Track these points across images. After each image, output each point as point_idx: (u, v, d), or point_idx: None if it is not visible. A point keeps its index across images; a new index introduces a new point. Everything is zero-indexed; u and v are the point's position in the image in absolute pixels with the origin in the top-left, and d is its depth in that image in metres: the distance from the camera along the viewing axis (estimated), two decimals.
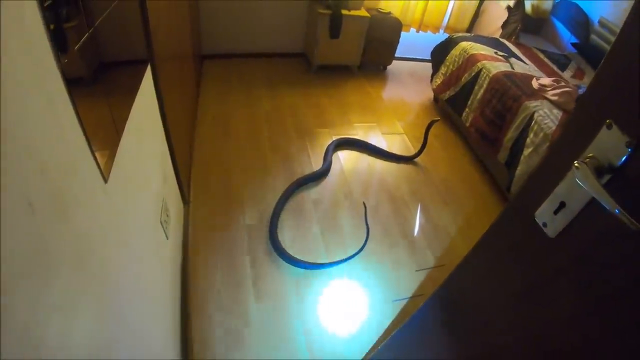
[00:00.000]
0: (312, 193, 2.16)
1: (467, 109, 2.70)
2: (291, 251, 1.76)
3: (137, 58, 1.09)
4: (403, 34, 3.53)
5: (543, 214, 0.55)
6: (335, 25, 3.07)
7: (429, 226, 2.11)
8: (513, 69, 2.57)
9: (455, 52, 2.94)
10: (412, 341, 1.09)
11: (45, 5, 0.48)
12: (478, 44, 2.85)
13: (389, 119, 3.02)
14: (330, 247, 1.85)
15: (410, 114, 3.18)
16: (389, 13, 3.43)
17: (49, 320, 0.44)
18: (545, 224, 0.55)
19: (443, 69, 3.06)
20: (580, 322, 0.51)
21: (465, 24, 3.99)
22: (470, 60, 2.73)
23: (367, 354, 1.45)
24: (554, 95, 2.22)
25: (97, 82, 0.75)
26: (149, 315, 0.97)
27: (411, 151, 2.63)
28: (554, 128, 2.00)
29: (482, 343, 0.75)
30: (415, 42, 3.95)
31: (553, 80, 2.34)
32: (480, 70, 2.60)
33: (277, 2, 3.21)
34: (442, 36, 3.64)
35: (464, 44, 2.89)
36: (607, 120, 0.44)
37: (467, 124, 2.68)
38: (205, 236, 1.79)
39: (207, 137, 2.43)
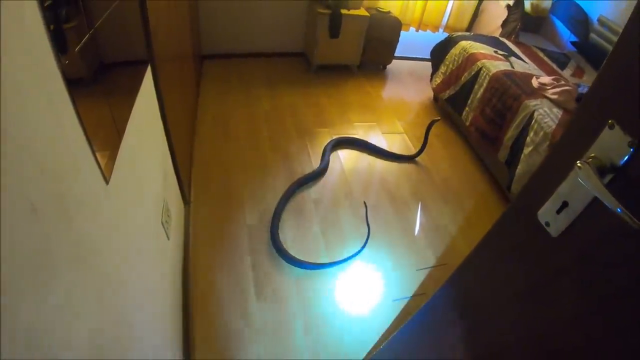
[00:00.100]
0: (313, 193, 2.16)
1: (467, 108, 2.71)
2: (292, 251, 1.76)
3: (137, 58, 1.09)
4: (403, 33, 3.53)
5: (545, 213, 0.55)
6: (335, 25, 3.07)
7: (429, 225, 2.11)
8: (513, 67, 2.57)
9: (454, 51, 2.93)
10: (413, 341, 1.09)
11: (45, 5, 0.48)
12: (478, 43, 2.85)
13: (389, 118, 3.02)
14: (331, 247, 1.86)
15: (410, 113, 3.18)
16: (389, 12, 3.43)
17: (52, 321, 0.44)
18: (547, 224, 0.55)
19: (443, 68, 3.06)
20: (582, 321, 0.51)
21: (465, 23, 3.99)
22: (470, 59, 2.73)
23: (369, 353, 1.45)
24: (553, 93, 2.22)
25: (97, 82, 0.75)
26: (151, 315, 0.97)
27: (411, 150, 2.63)
28: (554, 127, 2.00)
29: (484, 342, 0.75)
30: (414, 42, 3.95)
31: (553, 79, 2.34)
32: (480, 69, 2.60)
33: (276, 2, 3.20)
34: (441, 35, 3.64)
35: (463, 43, 2.89)
36: (610, 121, 0.44)
37: (467, 123, 2.68)
38: (206, 236, 1.79)
39: (207, 137, 2.43)
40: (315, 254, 1.80)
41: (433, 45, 3.23)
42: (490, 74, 2.49)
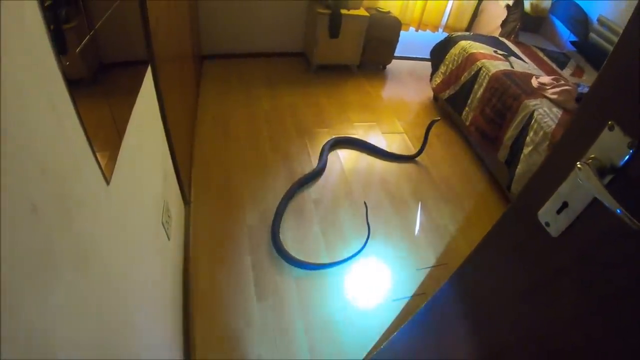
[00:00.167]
0: (313, 193, 2.16)
1: (466, 108, 2.71)
2: (292, 251, 1.77)
3: (137, 59, 1.09)
4: (402, 33, 3.53)
5: (546, 213, 0.55)
6: (335, 25, 3.07)
7: (429, 225, 2.11)
8: (512, 67, 2.57)
9: (454, 51, 2.94)
10: (413, 341, 1.09)
11: (45, 5, 0.48)
12: (477, 43, 2.85)
13: (389, 118, 3.02)
14: (331, 247, 1.86)
15: (410, 113, 3.18)
16: (388, 12, 3.43)
17: (52, 321, 0.44)
18: (548, 224, 0.55)
19: (442, 68, 3.06)
20: (583, 321, 0.51)
21: (465, 22, 3.99)
22: (470, 59, 2.73)
23: (369, 353, 1.45)
24: (553, 93, 2.22)
25: (97, 83, 0.75)
26: (152, 315, 0.97)
27: (411, 150, 2.64)
28: (553, 126, 2.00)
29: (485, 342, 0.75)
30: (414, 41, 3.95)
31: (552, 79, 2.34)
32: (480, 69, 2.60)
33: (276, 2, 3.20)
34: (441, 35, 3.64)
35: (463, 42, 2.89)
36: (609, 122, 0.44)
37: (467, 123, 2.68)
38: (206, 236, 1.79)
39: (207, 137, 2.43)
40: (315, 254, 1.81)
41: (433, 45, 3.23)
42: (490, 74, 2.49)
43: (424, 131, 2.54)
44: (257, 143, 2.47)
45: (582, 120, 0.54)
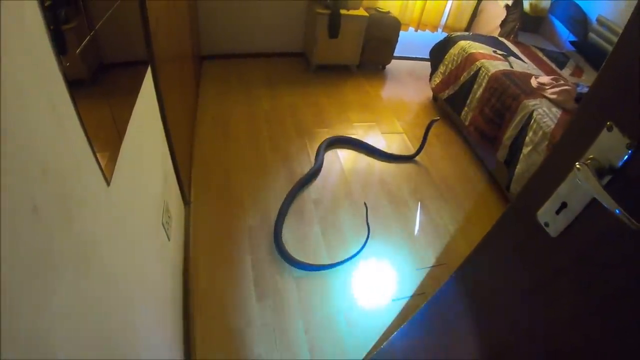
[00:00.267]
0: (312, 193, 2.16)
1: (466, 108, 2.71)
2: (292, 251, 1.77)
3: (137, 59, 1.09)
4: (402, 33, 3.53)
5: (545, 213, 0.55)
6: (334, 25, 3.07)
7: (429, 225, 2.12)
8: (512, 67, 2.57)
9: (453, 51, 2.94)
10: (413, 341, 1.09)
11: (45, 6, 0.48)
12: (477, 43, 2.86)
13: (388, 118, 3.02)
14: (331, 247, 1.86)
15: (410, 113, 3.18)
16: (388, 12, 3.43)
17: (53, 322, 0.44)
18: (547, 224, 0.55)
19: (442, 68, 3.06)
20: (581, 322, 0.51)
21: (464, 22, 3.99)
22: (469, 59, 2.74)
23: (369, 353, 1.45)
24: (552, 93, 2.22)
25: (97, 83, 0.75)
26: (152, 315, 0.97)
27: (411, 150, 2.64)
28: (552, 126, 2.01)
29: (485, 342, 0.75)
30: (413, 41, 3.95)
31: (552, 79, 2.34)
32: (479, 69, 2.60)
33: (275, 2, 3.20)
34: (440, 35, 3.65)
35: (462, 42, 2.89)
36: (608, 122, 0.44)
37: (467, 123, 2.68)
38: (206, 236, 1.79)
39: (206, 137, 2.43)
40: (315, 254, 1.81)
41: (432, 45, 3.23)
42: (489, 74, 2.49)
43: (423, 131, 2.55)
44: (256, 143, 2.47)
45: (581, 121, 0.55)
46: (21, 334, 0.38)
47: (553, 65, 2.80)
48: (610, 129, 0.44)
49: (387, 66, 3.77)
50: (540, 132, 2.04)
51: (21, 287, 0.38)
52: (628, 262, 0.45)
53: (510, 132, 2.25)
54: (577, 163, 0.46)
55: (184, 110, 2.02)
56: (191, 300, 1.50)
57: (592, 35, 3.03)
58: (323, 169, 2.34)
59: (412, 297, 1.71)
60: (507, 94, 2.33)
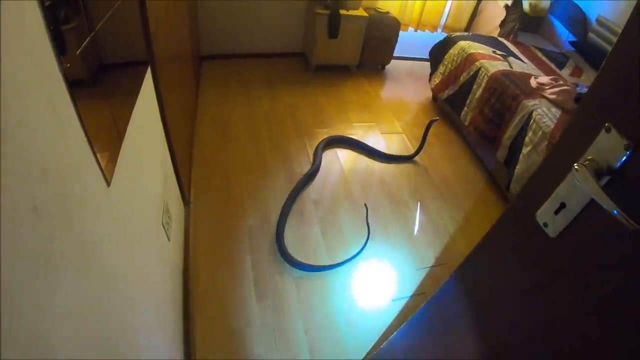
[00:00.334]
0: (312, 193, 2.16)
1: (465, 108, 2.71)
2: (292, 251, 1.77)
3: (137, 60, 1.09)
4: (401, 33, 3.53)
5: (544, 214, 0.56)
6: (334, 25, 3.07)
7: (429, 225, 2.12)
8: (511, 67, 2.58)
9: (453, 51, 2.94)
10: (413, 341, 1.09)
11: (45, 6, 0.48)
12: (476, 43, 2.86)
13: (388, 118, 3.03)
14: (331, 247, 1.86)
15: (409, 113, 3.18)
16: (387, 12, 3.43)
17: (53, 322, 0.44)
18: (546, 224, 0.55)
19: (441, 68, 3.07)
20: (580, 322, 0.51)
21: (463, 23, 4.00)
22: (469, 59, 2.74)
23: (368, 353, 1.45)
24: (552, 93, 2.22)
25: (97, 83, 0.75)
26: (152, 315, 0.97)
27: (410, 150, 2.64)
28: (552, 126, 2.01)
29: (484, 342, 0.75)
30: (413, 42, 3.96)
31: (551, 79, 2.35)
32: (479, 69, 2.61)
33: (275, 2, 3.21)
34: (440, 35, 3.65)
35: (462, 43, 2.90)
36: (606, 124, 0.44)
37: (466, 123, 2.69)
38: (206, 237, 1.79)
39: (206, 137, 2.43)
40: (315, 254, 1.81)
41: (432, 45, 3.24)
42: (489, 74, 2.50)
43: (422, 131, 2.55)
44: (256, 143, 2.47)
45: (580, 122, 0.55)
46: (21, 334, 0.38)
47: (552, 66, 2.80)
48: (608, 130, 0.44)
49: (387, 66, 3.77)
50: (540, 132, 2.04)
51: (21, 287, 0.38)
52: (626, 262, 0.45)
53: (509, 132, 2.26)
54: (575, 164, 0.46)
55: (183, 111, 2.02)
56: (191, 300, 1.50)
57: (591, 35, 3.03)
58: (323, 169, 2.35)
59: (411, 297, 1.71)
60: (506, 94, 2.33)
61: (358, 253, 1.84)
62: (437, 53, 3.15)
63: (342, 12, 3.06)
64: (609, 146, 0.45)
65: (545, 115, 2.08)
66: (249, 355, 1.39)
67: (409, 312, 1.62)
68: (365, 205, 2.12)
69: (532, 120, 2.11)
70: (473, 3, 3.89)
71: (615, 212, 0.41)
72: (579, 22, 3.11)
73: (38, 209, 0.42)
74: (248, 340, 1.44)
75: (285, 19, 3.34)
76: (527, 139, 2.12)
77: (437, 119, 2.57)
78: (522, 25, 3.35)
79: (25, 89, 0.42)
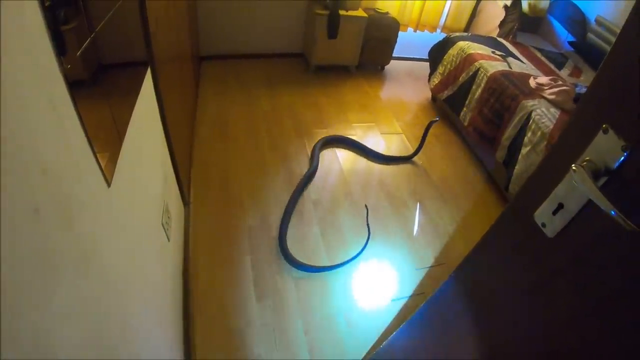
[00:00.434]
0: (312, 193, 2.16)
1: (465, 109, 2.72)
2: (292, 251, 1.77)
3: (136, 60, 1.10)
4: (400, 33, 3.53)
5: (542, 214, 0.56)
6: (333, 26, 3.07)
7: (428, 225, 2.12)
8: (510, 68, 2.58)
9: (452, 51, 2.94)
10: (413, 340, 1.09)
11: (45, 6, 0.48)
12: (475, 44, 2.86)
13: (388, 118, 3.03)
14: (331, 247, 1.86)
15: (409, 114, 3.19)
16: (387, 13, 3.44)
17: (54, 322, 0.44)
18: (544, 225, 0.56)
19: (440, 69, 3.07)
20: (578, 323, 0.51)
21: (463, 23, 4.00)
22: (468, 59, 2.74)
23: (368, 353, 1.46)
24: (551, 94, 2.23)
25: (97, 84, 0.75)
26: (152, 316, 0.98)
27: (410, 151, 2.64)
28: (551, 127, 2.01)
29: (484, 342, 0.76)
30: (412, 42, 3.96)
31: (550, 79, 2.35)
32: (478, 69, 2.61)
33: (275, 3, 3.21)
34: (439, 36, 3.65)
35: (461, 43, 2.90)
36: (604, 125, 0.45)
37: (465, 123, 2.69)
38: (205, 237, 1.79)
39: (206, 137, 2.43)
40: (314, 254, 1.81)
41: (431, 45, 3.24)
42: (488, 75, 2.50)
43: (422, 131, 2.55)
44: (256, 143, 2.47)
45: (578, 123, 0.55)
46: (21, 334, 0.38)
47: (552, 66, 2.80)
48: (606, 132, 0.45)
49: (386, 67, 3.77)
50: (539, 133, 2.04)
51: (22, 287, 0.38)
52: (623, 263, 0.45)
53: (509, 133, 2.26)
54: (573, 165, 0.46)
55: (183, 111, 2.02)
56: (191, 300, 1.50)
57: (590, 35, 3.03)
58: (322, 169, 2.35)
59: (411, 297, 1.71)
60: (505, 95, 2.33)
61: (359, 254, 1.84)
62: (437, 53, 3.15)
63: (342, 12, 3.07)
64: (607, 147, 0.45)
65: (544, 116, 2.08)
66: (248, 355, 1.39)
67: (408, 312, 1.62)
68: (366, 206, 2.12)
69: (531, 121, 2.11)
70: (472, 3, 3.89)
71: (612, 212, 0.41)
72: (578, 22, 3.12)
73: (38, 209, 0.42)
74: (248, 340, 1.44)
75: (285, 20, 3.34)
76: (526, 139, 2.12)
77: (438, 120, 2.57)
78: (521, 26, 3.36)
79: (25, 89, 0.42)
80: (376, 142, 2.71)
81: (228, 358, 1.38)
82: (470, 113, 2.65)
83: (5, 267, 0.35)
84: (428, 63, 3.30)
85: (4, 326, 0.34)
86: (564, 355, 0.54)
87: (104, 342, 0.61)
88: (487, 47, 2.83)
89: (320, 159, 2.41)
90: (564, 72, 2.74)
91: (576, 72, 2.78)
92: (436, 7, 3.80)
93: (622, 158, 0.43)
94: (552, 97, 2.21)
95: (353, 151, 2.59)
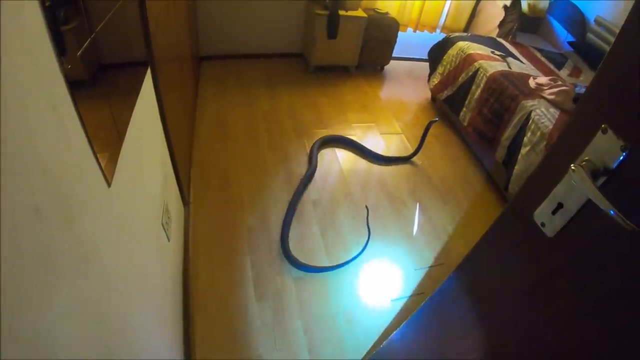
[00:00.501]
0: (312, 194, 2.16)
1: (464, 109, 2.72)
2: (292, 251, 1.77)
3: (136, 60, 1.10)
4: (400, 33, 3.53)
5: (542, 214, 0.56)
6: (333, 26, 3.07)
7: (428, 225, 2.12)
8: (510, 68, 2.58)
9: (452, 51, 2.95)
10: (412, 340, 1.10)
11: (46, 6, 0.48)
12: (475, 44, 2.86)
13: (387, 118, 3.03)
14: (330, 247, 1.86)
15: (408, 114, 3.19)
16: (386, 13, 3.44)
17: (54, 322, 0.44)
18: (543, 224, 0.56)
19: (440, 69, 3.07)
20: (577, 323, 0.51)
21: (462, 23, 4.00)
22: (467, 59, 2.75)
23: (368, 353, 1.46)
24: (551, 94, 2.23)
25: (96, 84, 0.75)
26: (152, 316, 0.98)
27: (409, 151, 2.64)
28: (550, 127, 2.02)
29: (483, 342, 0.76)
30: (412, 42, 3.96)
31: (550, 79, 2.35)
32: (478, 69, 2.61)
33: (274, 3, 3.21)
34: (439, 36, 3.65)
35: (460, 43, 2.90)
36: (603, 125, 0.45)
37: (465, 124, 2.69)
38: (205, 237, 1.79)
39: (206, 137, 2.43)
40: (314, 254, 1.81)
41: (430, 45, 3.24)
42: (488, 75, 2.50)
43: (421, 132, 2.55)
44: (255, 143, 2.47)
45: (577, 123, 0.55)
46: (21, 334, 0.38)
47: (551, 66, 2.81)
48: (605, 132, 0.45)
49: (386, 67, 3.77)
50: (539, 133, 2.05)
51: (22, 288, 0.38)
52: (622, 263, 0.45)
53: (508, 133, 2.26)
54: (572, 164, 0.46)
55: (183, 111, 2.02)
56: (191, 300, 1.50)
57: (590, 35, 3.04)
58: (322, 169, 2.35)
59: (411, 297, 1.71)
60: (505, 95, 2.34)
61: (359, 254, 1.84)
62: (436, 53, 3.15)
63: (341, 12, 3.07)
64: (606, 147, 0.45)
65: (543, 116, 2.08)
66: (249, 355, 1.40)
67: (408, 312, 1.62)
68: (367, 207, 2.12)
69: (530, 121, 2.12)
70: (472, 3, 3.90)
71: (611, 212, 0.41)
72: (577, 22, 3.12)
73: (39, 209, 0.42)
74: (248, 340, 1.44)
75: (285, 20, 3.34)
76: (525, 139, 2.12)
77: (437, 120, 2.57)
78: (520, 26, 3.36)
79: (26, 89, 0.42)
80: (376, 142, 2.71)
81: (228, 358, 1.38)
82: (469, 113, 2.65)
83: (6, 267, 0.35)
84: (428, 63, 3.30)
85: (4, 326, 0.34)
86: (564, 355, 0.54)
87: (104, 342, 0.61)
88: (486, 47, 2.83)
89: (319, 159, 2.41)
90: (564, 72, 2.74)
91: (575, 72, 2.79)
92: (436, 7, 3.80)
93: (621, 158, 0.43)
94: (552, 97, 2.21)
95: (352, 151, 2.59)
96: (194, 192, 2.00)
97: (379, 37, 3.41)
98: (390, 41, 3.50)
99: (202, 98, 2.81)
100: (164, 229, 1.20)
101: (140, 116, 1.00)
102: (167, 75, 1.46)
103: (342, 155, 2.53)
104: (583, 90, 2.33)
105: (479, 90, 2.57)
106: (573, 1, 3.17)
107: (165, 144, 1.41)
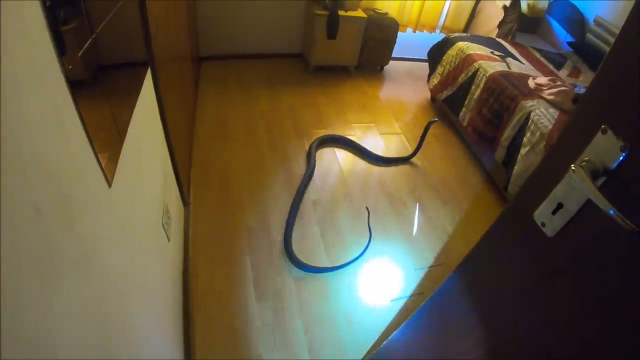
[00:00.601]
0: (312, 194, 2.16)
1: (464, 109, 2.72)
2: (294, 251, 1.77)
3: (136, 60, 1.10)
4: (400, 34, 3.54)
5: (542, 214, 0.56)
6: (333, 26, 3.08)
7: (427, 225, 2.12)
8: (509, 68, 2.58)
9: (451, 52, 2.95)
10: (412, 340, 1.10)
11: (47, 6, 0.48)
12: (474, 44, 2.87)
13: (387, 118, 3.03)
14: (330, 248, 1.86)
15: (408, 114, 3.19)
16: (386, 13, 3.44)
17: (54, 322, 0.44)
18: (543, 224, 0.56)
19: (440, 69, 3.07)
20: (577, 323, 0.52)
21: (462, 23, 4.01)
22: (467, 60, 2.75)
23: (368, 353, 1.46)
24: (550, 94, 2.23)
25: (97, 84, 0.75)
26: (152, 316, 0.98)
27: (409, 151, 2.64)
28: (550, 127, 2.02)
29: (483, 342, 0.76)
30: (411, 42, 3.97)
31: (549, 80, 2.36)
32: (477, 70, 2.61)
33: (274, 3, 3.21)
34: (438, 36, 3.66)
35: (460, 44, 2.90)
36: (602, 126, 0.45)
37: (465, 124, 2.69)
38: (205, 237, 1.79)
39: (205, 138, 2.43)
40: (314, 254, 1.81)
41: (430, 46, 3.24)
42: (487, 75, 2.50)
43: (421, 132, 2.55)
44: (255, 143, 2.47)
45: (577, 123, 0.55)
46: (22, 334, 0.38)
47: (550, 66, 2.81)
48: (604, 132, 0.45)
49: (385, 67, 3.78)
50: (538, 133, 2.05)
51: (23, 288, 0.38)
52: (622, 263, 0.45)
53: (508, 133, 2.26)
54: (572, 165, 0.46)
55: (183, 111, 2.02)
56: (191, 300, 1.50)
57: (589, 36, 3.04)
58: (321, 169, 2.35)
59: (411, 297, 1.72)
60: (504, 95, 2.34)
61: (361, 254, 1.84)
62: (436, 54, 3.15)
63: (341, 13, 3.07)
64: (606, 147, 0.45)
65: (543, 116, 2.09)
66: (249, 355, 1.40)
67: (408, 312, 1.62)
68: (367, 208, 2.12)
69: (530, 121, 2.12)
70: (471, 4, 3.90)
71: (611, 212, 0.41)
72: (576, 22, 3.12)
73: (40, 209, 0.42)
74: (248, 340, 1.44)
75: (284, 20, 3.35)
76: (525, 139, 2.12)
77: (437, 120, 2.57)
78: (520, 26, 3.36)
79: (26, 89, 0.42)
80: (375, 142, 2.71)
81: (228, 358, 1.38)
82: (469, 113, 2.65)
83: (6, 267, 0.35)
84: (427, 63, 3.30)
85: (4, 326, 0.34)
86: (564, 355, 0.54)
87: (104, 342, 0.61)
88: (486, 48, 2.84)
89: (319, 159, 2.41)
90: (563, 73, 2.74)
91: (575, 73, 2.79)
92: (435, 7, 3.80)
93: (621, 158, 0.43)
94: (551, 97, 2.21)
95: (352, 152, 2.59)
96: (194, 193, 2.00)
97: (379, 38, 3.41)
98: (390, 41, 3.51)
99: (202, 98, 2.81)
100: (164, 229, 1.20)
101: (140, 116, 1.00)
102: (167, 75, 1.46)
103: (342, 156, 2.53)
104: (582, 90, 2.33)
105: (478, 91, 2.57)
106: (572, 1, 3.17)
107: (165, 144, 1.41)
